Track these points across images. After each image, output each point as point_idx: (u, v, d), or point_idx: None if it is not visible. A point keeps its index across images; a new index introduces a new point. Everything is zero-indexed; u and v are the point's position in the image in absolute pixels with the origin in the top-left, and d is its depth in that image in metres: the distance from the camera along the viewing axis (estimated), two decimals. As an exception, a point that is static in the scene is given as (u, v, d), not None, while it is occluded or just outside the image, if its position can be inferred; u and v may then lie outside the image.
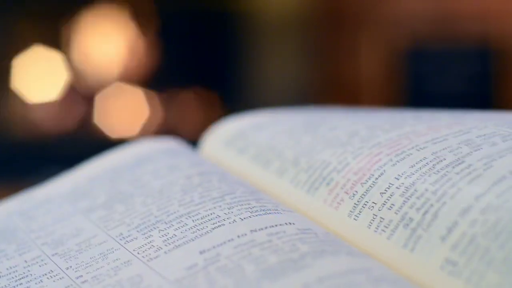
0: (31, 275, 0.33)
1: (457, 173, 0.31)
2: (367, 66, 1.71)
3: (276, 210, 0.34)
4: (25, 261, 0.34)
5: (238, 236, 0.31)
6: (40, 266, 0.34)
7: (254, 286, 0.27)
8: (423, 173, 0.32)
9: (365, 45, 1.71)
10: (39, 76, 1.66)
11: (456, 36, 1.65)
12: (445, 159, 0.33)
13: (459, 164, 0.32)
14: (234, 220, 0.32)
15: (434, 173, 0.32)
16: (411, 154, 0.34)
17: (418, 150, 0.34)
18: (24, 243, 0.36)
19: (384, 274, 0.28)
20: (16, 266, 0.34)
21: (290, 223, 0.32)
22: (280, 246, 0.30)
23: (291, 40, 1.73)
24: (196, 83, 1.74)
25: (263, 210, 0.33)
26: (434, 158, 0.33)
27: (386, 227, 0.31)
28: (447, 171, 0.32)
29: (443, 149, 0.33)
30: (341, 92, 1.73)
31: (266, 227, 0.32)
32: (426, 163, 0.33)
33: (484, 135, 0.34)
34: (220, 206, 0.34)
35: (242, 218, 0.33)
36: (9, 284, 0.33)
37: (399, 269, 0.29)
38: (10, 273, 0.34)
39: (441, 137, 0.35)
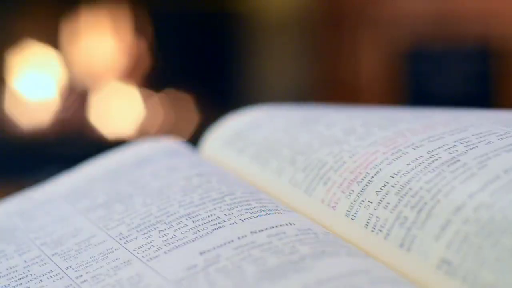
0: (31, 275, 0.33)
1: (452, 172, 0.31)
2: (367, 66, 1.71)
3: (277, 210, 0.34)
4: (25, 261, 0.34)
5: (238, 238, 0.31)
6: (40, 266, 0.34)
7: (254, 287, 0.27)
8: (419, 171, 0.32)
9: (365, 45, 1.71)
10: (37, 75, 1.66)
11: (456, 36, 1.65)
12: (440, 157, 0.33)
13: (454, 162, 0.32)
14: (234, 222, 0.32)
15: (429, 171, 0.32)
16: (407, 152, 0.34)
17: (414, 149, 0.34)
18: (23, 243, 0.36)
19: (385, 275, 0.28)
20: (16, 266, 0.34)
21: (290, 224, 0.32)
22: (280, 248, 0.30)
23: (291, 40, 1.72)
24: (196, 83, 1.74)
25: (263, 211, 0.33)
26: (430, 157, 0.33)
27: (383, 227, 0.31)
28: (442, 170, 0.32)
29: (439, 147, 0.33)
30: (341, 92, 1.73)
31: (266, 228, 0.31)
32: (422, 162, 0.33)
33: (480, 133, 0.34)
34: (220, 207, 0.34)
35: (243, 219, 0.33)
36: (9, 284, 0.33)
37: (398, 269, 0.29)
38: (10, 273, 0.34)
39: (437, 135, 0.35)
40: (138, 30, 1.70)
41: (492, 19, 1.61)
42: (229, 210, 0.34)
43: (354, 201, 0.33)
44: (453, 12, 1.63)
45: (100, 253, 0.33)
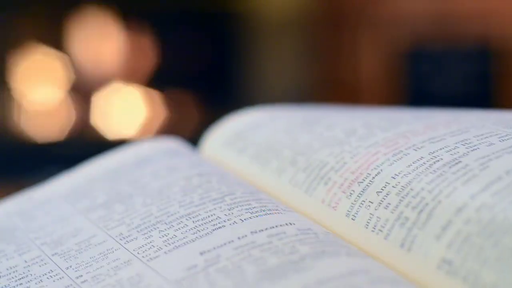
0: (31, 275, 0.33)
1: (454, 173, 0.31)
2: (367, 66, 1.71)
3: (277, 210, 0.34)
4: (25, 261, 0.34)
5: (239, 238, 0.31)
6: (40, 266, 0.34)
7: (254, 287, 0.27)
8: (420, 172, 0.32)
9: (365, 45, 1.71)
10: (39, 75, 1.66)
11: (456, 36, 1.65)
12: (442, 159, 0.33)
13: (456, 164, 0.32)
14: (234, 222, 0.32)
15: (430, 172, 0.32)
16: (408, 153, 0.34)
17: (416, 150, 0.34)
18: (23, 243, 0.36)
19: (385, 275, 0.28)
20: (16, 266, 0.34)
21: (290, 224, 0.32)
22: (280, 248, 0.30)
23: (291, 40, 1.73)
24: (196, 83, 1.74)
25: (264, 211, 0.33)
26: (431, 158, 0.33)
27: (383, 227, 0.31)
28: (443, 171, 0.32)
29: (440, 149, 0.34)
30: (341, 92, 1.73)
31: (266, 228, 0.32)
32: (423, 163, 0.33)
33: (482, 134, 0.34)
34: (220, 207, 0.34)
35: (243, 219, 0.33)
36: (9, 284, 0.33)
37: (398, 269, 0.29)
38: (10, 273, 0.34)
39: (438, 137, 0.35)
40: (139, 30, 1.70)
41: (492, 19, 1.61)
42: (229, 210, 0.34)
43: (355, 201, 0.33)
44: (453, 12, 1.63)
45: (100, 253, 0.33)
